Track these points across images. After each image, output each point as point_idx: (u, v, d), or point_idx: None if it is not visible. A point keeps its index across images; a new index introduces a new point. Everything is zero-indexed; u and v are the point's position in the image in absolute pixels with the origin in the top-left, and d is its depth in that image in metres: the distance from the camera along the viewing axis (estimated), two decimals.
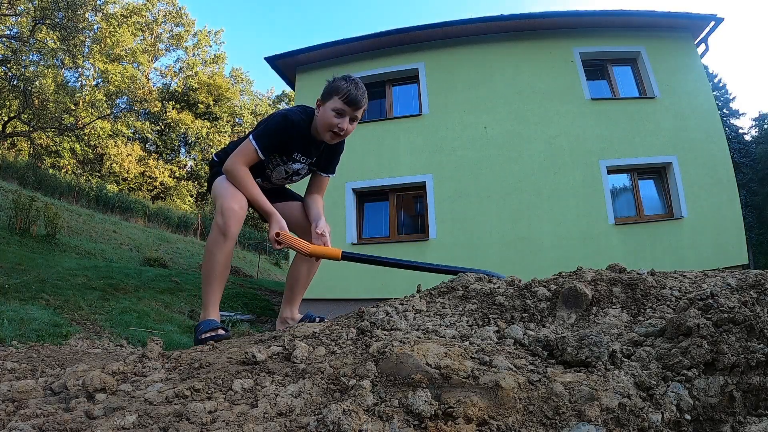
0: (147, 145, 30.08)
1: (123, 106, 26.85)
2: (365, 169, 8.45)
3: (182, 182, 30.30)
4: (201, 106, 30.65)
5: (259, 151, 1.81)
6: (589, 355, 1.04)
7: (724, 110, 26.38)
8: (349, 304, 6.97)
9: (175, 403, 0.93)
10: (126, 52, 26.51)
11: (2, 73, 17.50)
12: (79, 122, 22.96)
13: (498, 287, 1.63)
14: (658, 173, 8.07)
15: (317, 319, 1.90)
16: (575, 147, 7.94)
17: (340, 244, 8.08)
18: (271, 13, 61.56)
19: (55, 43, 16.02)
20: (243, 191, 1.80)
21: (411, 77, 9.01)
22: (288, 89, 20.14)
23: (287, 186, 2.21)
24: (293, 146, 1.91)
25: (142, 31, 29.27)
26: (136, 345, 3.67)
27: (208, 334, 1.67)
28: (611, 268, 1.72)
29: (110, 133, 24.89)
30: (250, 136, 1.84)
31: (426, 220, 8.09)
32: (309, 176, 2.13)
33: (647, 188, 8.12)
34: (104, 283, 6.26)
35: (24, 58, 17.05)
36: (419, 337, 1.23)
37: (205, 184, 2.03)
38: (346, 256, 1.83)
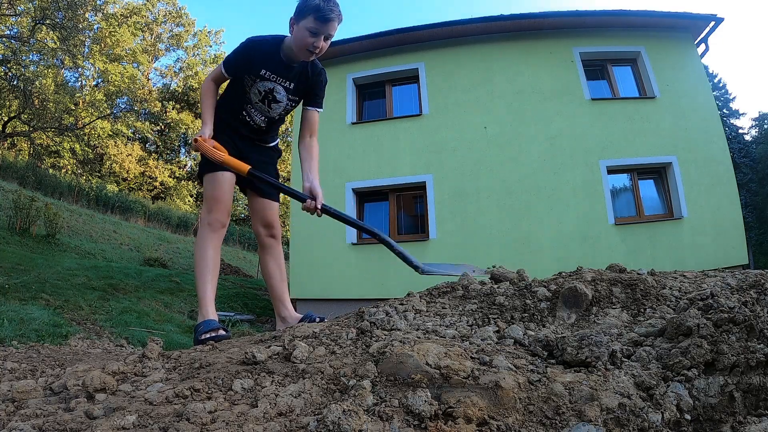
0: (147, 145, 30.09)
1: (123, 106, 26.86)
2: (365, 169, 8.45)
3: (182, 182, 30.29)
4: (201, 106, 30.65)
5: (222, 68, 1.96)
6: (589, 355, 1.04)
7: (724, 110, 26.33)
8: (349, 304, 6.96)
9: (175, 403, 0.93)
10: (126, 52, 26.50)
11: (2, 73, 17.51)
12: (79, 122, 22.96)
13: (498, 287, 1.63)
14: (658, 173, 8.06)
15: (317, 319, 1.90)
16: (575, 147, 7.94)
17: (340, 244, 8.09)
18: (271, 14, 61.52)
19: (55, 43, 16.00)
20: (201, 100, 2.01)
21: (411, 77, 9.00)
22: None
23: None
24: (259, 64, 1.91)
25: (142, 31, 29.25)
26: (136, 345, 3.68)
27: (208, 335, 1.68)
28: (611, 268, 1.72)
29: (110, 133, 24.89)
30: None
31: (426, 220, 8.09)
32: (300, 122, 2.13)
33: (647, 188, 8.11)
34: (104, 283, 6.26)
35: (24, 58, 17.04)
36: (419, 337, 1.23)
37: None
38: (253, 174, 1.88)
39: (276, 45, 1.91)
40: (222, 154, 1.87)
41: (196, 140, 1.87)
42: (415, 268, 1.85)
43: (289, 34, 1.87)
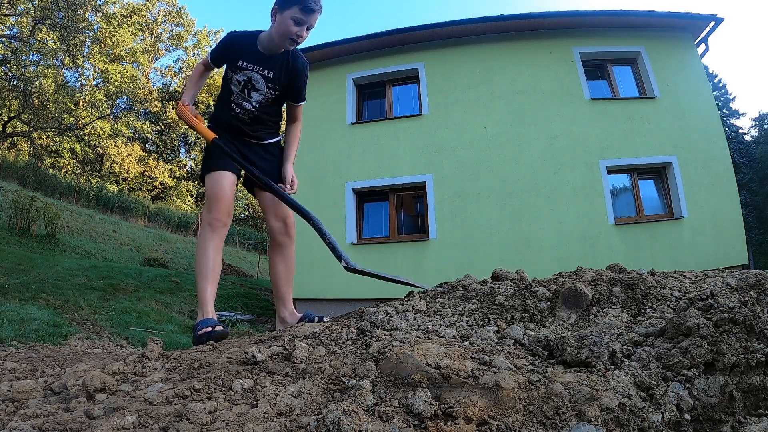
0: (147, 145, 30.10)
1: (123, 106, 26.86)
2: (365, 169, 8.44)
3: (182, 182, 30.30)
4: (201, 106, 30.67)
5: (209, 57, 2.11)
6: (589, 355, 1.04)
7: (724, 110, 26.31)
8: (349, 304, 6.95)
9: (175, 403, 0.93)
10: (126, 52, 26.49)
11: (2, 73, 17.51)
12: (79, 122, 22.97)
13: (498, 287, 1.63)
14: (658, 173, 8.06)
15: (317, 319, 1.91)
16: (575, 147, 7.94)
17: (340, 243, 8.05)
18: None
19: (55, 43, 16.01)
20: (190, 79, 2.19)
21: (411, 77, 9.00)
22: None
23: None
24: (237, 55, 2.01)
25: (142, 31, 29.26)
26: (136, 345, 3.68)
27: (206, 330, 1.68)
28: (611, 268, 1.72)
29: (110, 133, 24.88)
30: None
31: (426, 220, 8.09)
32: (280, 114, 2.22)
33: (647, 188, 8.11)
34: (104, 283, 6.26)
35: (24, 58, 17.04)
36: (419, 337, 1.23)
37: None
38: (217, 144, 1.96)
39: (253, 37, 2.01)
40: (197, 122, 2.01)
41: (178, 104, 2.02)
42: (340, 260, 1.92)
43: (271, 23, 1.94)
